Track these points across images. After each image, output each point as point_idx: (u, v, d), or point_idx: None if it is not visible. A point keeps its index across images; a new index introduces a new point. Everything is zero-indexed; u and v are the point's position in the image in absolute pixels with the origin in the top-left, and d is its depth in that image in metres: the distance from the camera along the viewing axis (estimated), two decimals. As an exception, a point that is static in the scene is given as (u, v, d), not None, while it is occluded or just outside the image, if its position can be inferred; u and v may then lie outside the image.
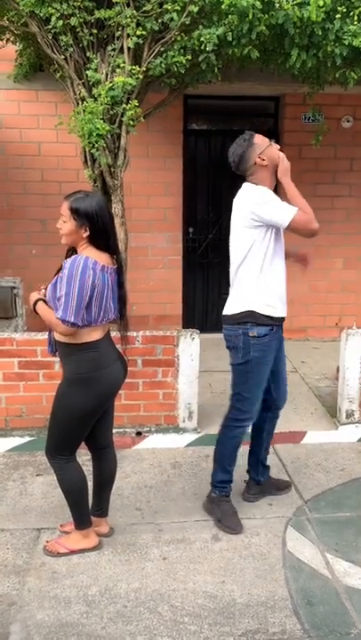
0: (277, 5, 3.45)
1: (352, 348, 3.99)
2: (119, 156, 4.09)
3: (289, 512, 3.12)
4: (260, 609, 2.43)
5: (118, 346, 2.68)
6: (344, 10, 3.50)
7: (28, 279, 5.43)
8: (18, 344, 3.80)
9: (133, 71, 3.76)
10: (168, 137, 5.92)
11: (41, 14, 3.74)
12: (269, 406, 3.10)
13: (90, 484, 2.75)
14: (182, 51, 3.78)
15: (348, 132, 6.08)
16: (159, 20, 3.72)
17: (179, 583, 2.58)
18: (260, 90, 5.55)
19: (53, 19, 3.71)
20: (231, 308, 2.89)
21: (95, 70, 3.82)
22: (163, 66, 3.80)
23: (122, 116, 3.89)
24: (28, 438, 3.89)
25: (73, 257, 2.43)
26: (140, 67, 3.81)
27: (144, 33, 3.70)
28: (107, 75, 3.87)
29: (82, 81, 4.01)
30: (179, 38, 3.73)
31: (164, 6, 3.61)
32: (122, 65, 3.79)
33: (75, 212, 2.41)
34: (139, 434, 3.97)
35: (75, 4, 3.68)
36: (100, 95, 3.76)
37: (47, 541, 2.82)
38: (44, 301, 2.54)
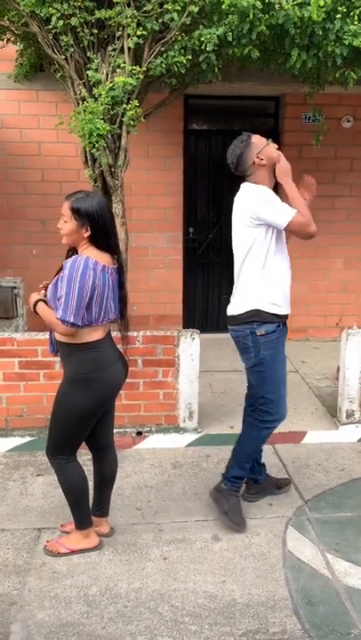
0: (278, 6, 3.45)
1: (352, 348, 4.00)
2: (120, 156, 4.09)
3: (289, 512, 3.12)
4: (261, 609, 2.43)
5: (119, 346, 2.68)
6: (344, 10, 3.50)
7: (28, 279, 5.43)
8: (18, 344, 3.81)
9: (134, 71, 3.76)
10: (168, 137, 5.92)
11: (41, 14, 3.74)
12: None
13: (90, 483, 2.75)
14: (183, 51, 3.78)
15: (348, 132, 6.08)
16: (160, 20, 3.72)
17: (179, 583, 2.58)
18: (260, 90, 5.55)
19: (54, 19, 3.71)
20: (236, 308, 2.88)
21: (96, 70, 3.82)
22: (163, 66, 3.80)
23: (122, 116, 3.89)
24: (28, 438, 3.89)
25: (74, 257, 2.43)
26: (140, 67, 3.81)
27: (144, 33, 3.70)
28: (107, 75, 3.87)
29: (82, 81, 4.02)
30: (179, 38, 3.73)
31: (165, 6, 3.61)
32: (122, 65, 3.79)
33: (76, 211, 2.41)
34: (139, 434, 3.98)
35: (75, 4, 3.69)
36: (100, 95, 3.76)
37: (48, 541, 2.82)
38: (45, 302, 2.54)
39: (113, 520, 2.96)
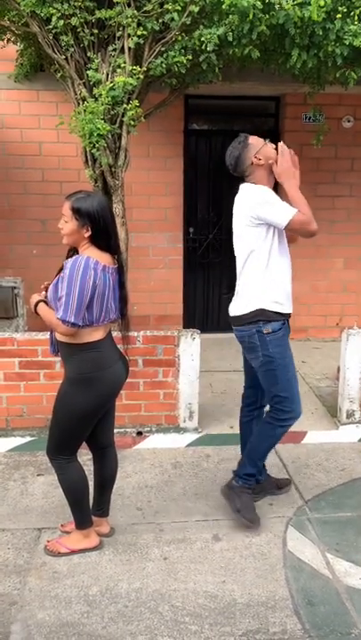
0: (278, 5, 3.45)
1: (353, 348, 4.00)
2: (120, 156, 4.09)
3: (289, 512, 3.12)
4: (261, 609, 2.43)
5: (119, 346, 2.68)
6: (345, 10, 3.50)
7: (28, 279, 5.44)
8: (19, 344, 3.81)
9: (134, 71, 3.76)
10: (169, 137, 5.92)
11: (42, 14, 3.74)
12: (255, 404, 3.12)
13: (90, 483, 2.75)
14: (183, 51, 3.78)
15: (348, 132, 6.08)
16: (160, 20, 3.72)
17: (179, 583, 2.58)
18: (260, 90, 5.55)
19: (54, 19, 3.71)
20: (240, 308, 2.87)
21: (96, 70, 3.82)
22: (163, 66, 3.81)
23: (122, 116, 3.89)
24: (28, 438, 3.89)
25: (74, 257, 2.43)
26: (140, 67, 3.81)
27: (145, 33, 3.70)
28: (107, 75, 3.87)
29: (83, 81, 4.02)
30: (179, 38, 3.73)
31: (165, 6, 3.62)
32: (122, 65, 3.79)
33: (76, 211, 2.41)
34: (140, 434, 3.98)
35: (75, 4, 3.69)
36: (100, 95, 3.76)
37: (48, 541, 2.82)
38: (46, 303, 2.54)
39: (113, 520, 2.96)
